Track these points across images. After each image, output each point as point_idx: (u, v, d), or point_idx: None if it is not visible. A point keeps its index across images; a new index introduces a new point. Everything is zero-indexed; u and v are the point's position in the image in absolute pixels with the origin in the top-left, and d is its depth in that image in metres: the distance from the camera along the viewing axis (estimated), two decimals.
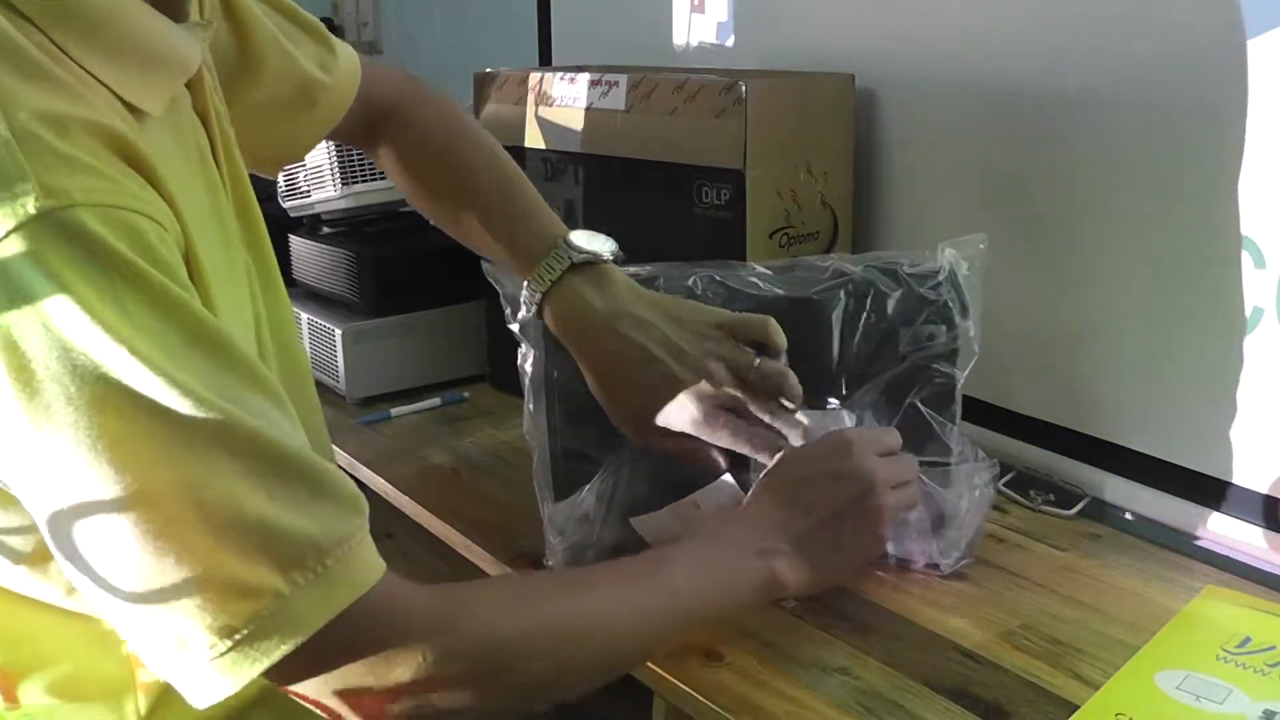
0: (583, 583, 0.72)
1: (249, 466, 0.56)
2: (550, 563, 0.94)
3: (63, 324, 0.52)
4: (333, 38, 0.95)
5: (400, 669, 0.60)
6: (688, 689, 0.79)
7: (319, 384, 1.45)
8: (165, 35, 0.64)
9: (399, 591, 0.62)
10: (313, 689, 0.59)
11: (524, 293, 0.91)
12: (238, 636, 0.55)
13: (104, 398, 0.53)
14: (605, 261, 0.90)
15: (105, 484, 0.53)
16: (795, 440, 0.87)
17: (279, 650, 0.56)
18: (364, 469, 1.22)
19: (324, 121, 0.95)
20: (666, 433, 0.87)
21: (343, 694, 0.59)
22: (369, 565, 0.60)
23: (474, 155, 0.99)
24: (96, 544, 0.55)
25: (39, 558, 0.63)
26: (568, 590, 0.71)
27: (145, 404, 0.53)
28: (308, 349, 1.47)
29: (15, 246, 0.52)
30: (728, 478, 0.90)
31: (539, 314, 0.90)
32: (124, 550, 0.54)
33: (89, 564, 0.55)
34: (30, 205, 0.53)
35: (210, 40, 0.73)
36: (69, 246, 0.53)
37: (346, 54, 0.96)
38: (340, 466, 1.25)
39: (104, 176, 0.56)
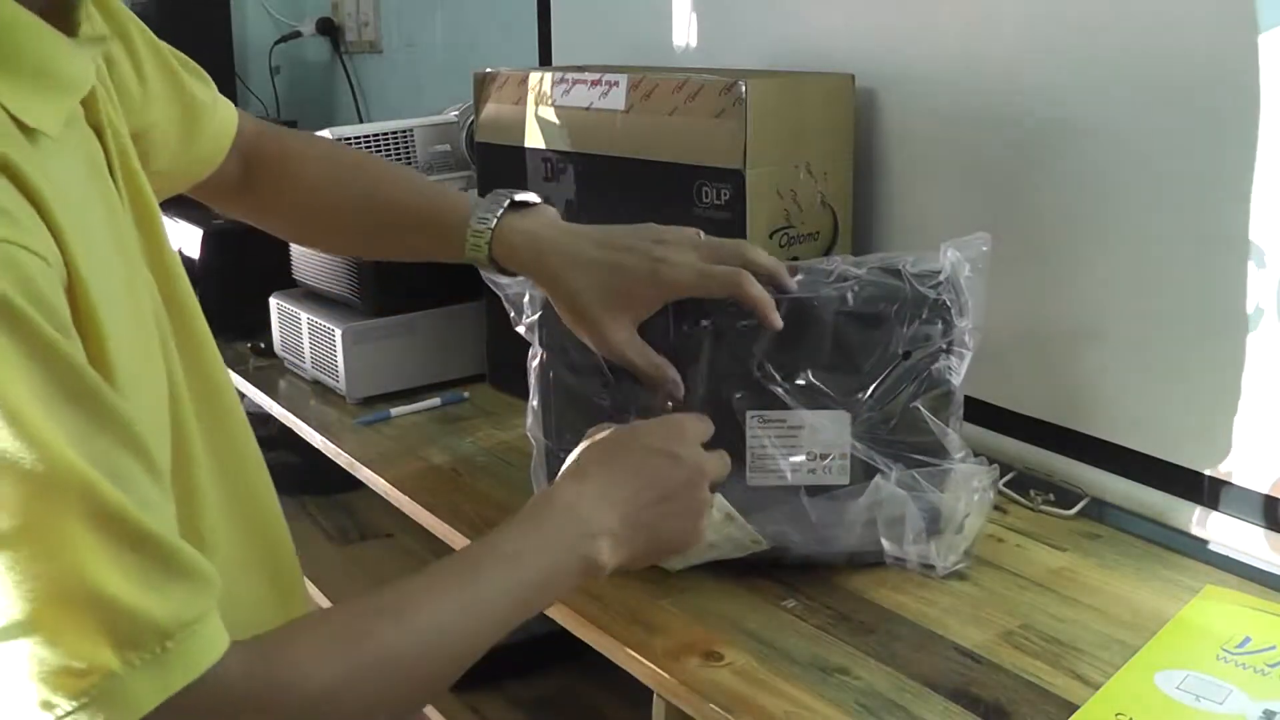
0: (401, 607, 0.69)
1: (103, 536, 0.54)
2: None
3: None
4: (209, 79, 0.94)
5: None
6: (688, 689, 0.79)
7: (319, 384, 1.46)
8: (60, 53, 0.63)
9: (229, 665, 0.59)
10: None
11: (469, 239, 0.91)
12: (59, 712, 0.53)
13: None
14: (539, 204, 0.92)
15: None
16: (790, 285, 0.89)
17: None
18: (364, 469, 1.22)
19: (207, 153, 0.93)
20: (640, 344, 0.88)
21: None
22: (210, 646, 0.58)
23: (366, 158, 1.01)
24: None
25: None
26: (387, 620, 0.68)
27: (2, 458, 0.51)
28: (308, 349, 1.48)
29: None
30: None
31: (490, 257, 0.91)
32: None
33: None
34: None
35: (104, 54, 0.71)
36: None
37: (224, 98, 0.95)
38: (339, 466, 1.26)
39: None
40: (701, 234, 0.92)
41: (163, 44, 0.88)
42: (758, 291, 0.86)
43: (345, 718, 0.64)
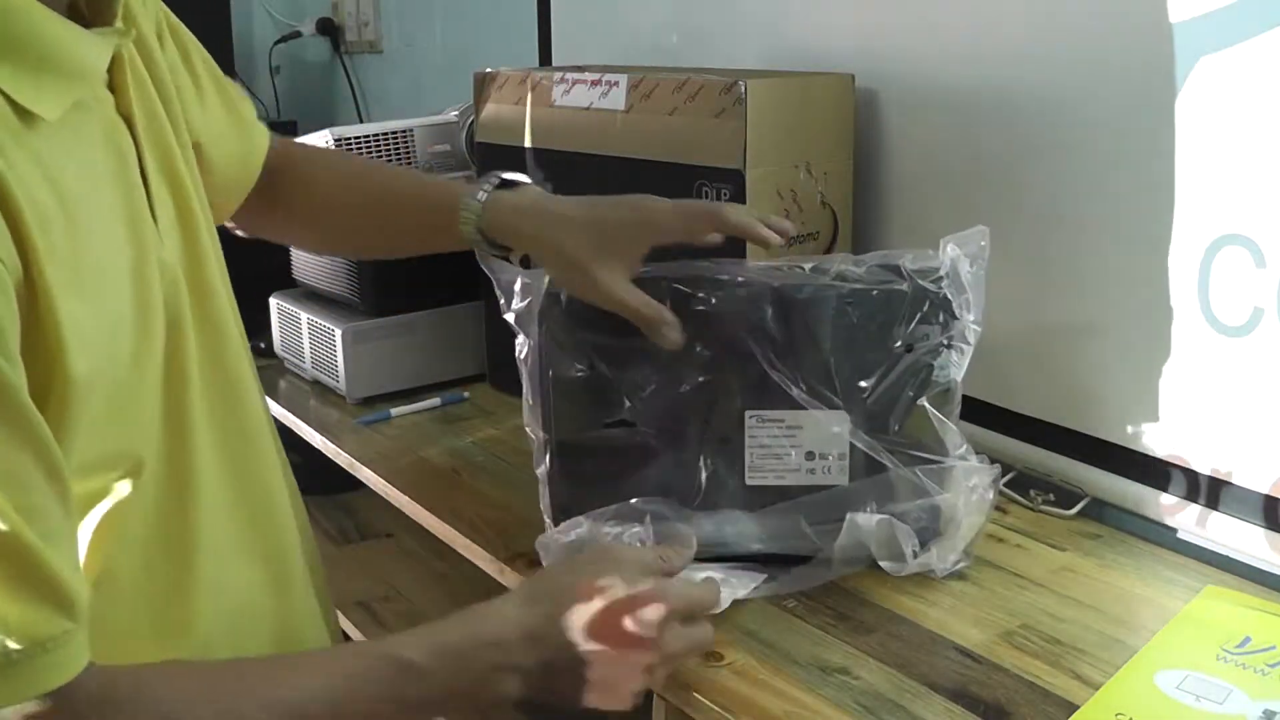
0: (270, 684, 0.68)
1: None
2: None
3: None
4: (250, 101, 0.97)
5: None
6: (688, 689, 0.79)
7: (319, 384, 1.46)
8: (65, 41, 0.64)
9: (81, 690, 0.60)
10: None
11: (460, 215, 0.93)
12: None
13: None
14: (527, 183, 0.95)
15: None
16: (773, 240, 0.89)
17: None
18: (364, 469, 1.22)
19: (250, 172, 0.96)
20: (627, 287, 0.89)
21: None
22: (61, 669, 0.59)
23: (368, 162, 1.05)
24: None
25: None
26: (252, 693, 0.67)
27: None
28: (308, 349, 1.48)
29: None
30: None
31: (479, 229, 0.93)
32: None
33: None
34: None
35: (124, 45, 0.72)
36: None
37: (256, 112, 0.98)
38: (339, 466, 1.26)
39: None
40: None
41: (216, 67, 0.91)
42: (739, 217, 0.88)
43: None
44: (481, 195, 0.93)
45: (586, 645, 0.74)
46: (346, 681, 0.69)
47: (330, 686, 0.69)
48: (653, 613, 0.74)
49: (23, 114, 0.61)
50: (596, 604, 0.74)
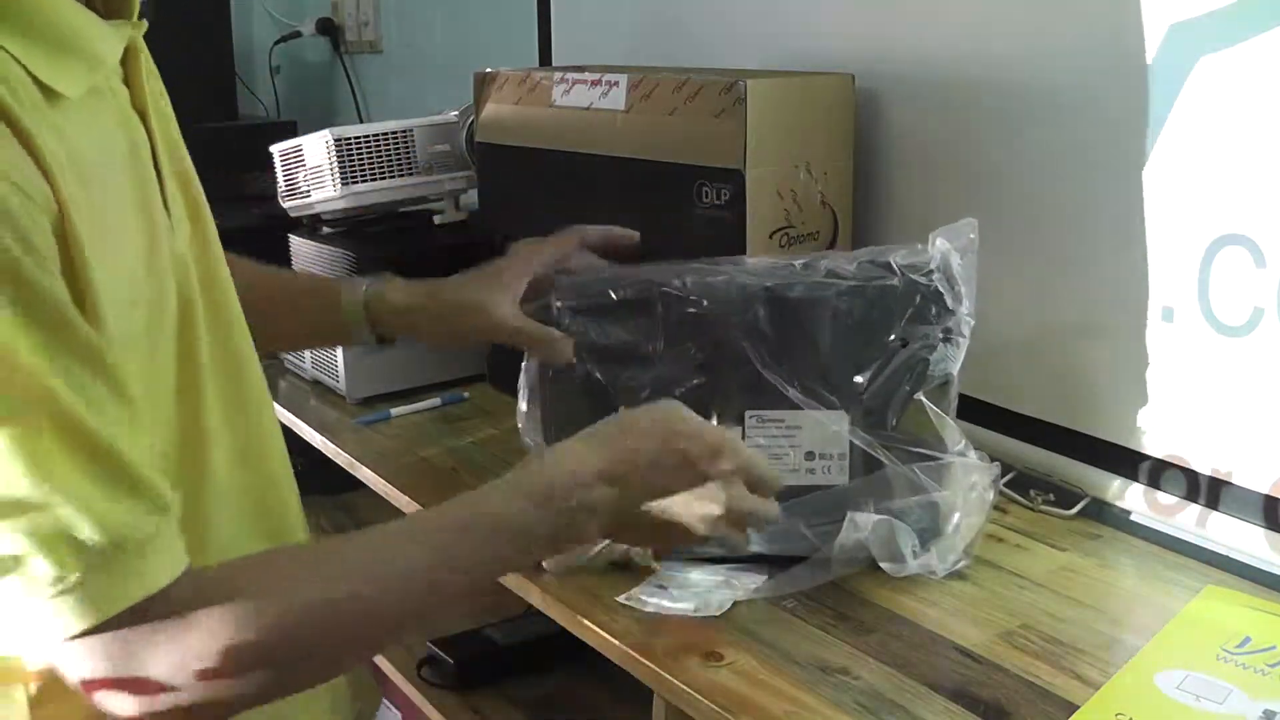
0: (389, 544, 0.71)
1: (63, 444, 0.57)
2: (546, 564, 0.93)
3: None
4: None
5: (190, 659, 0.61)
6: (688, 689, 0.79)
7: (319, 384, 1.46)
8: (83, 27, 0.66)
9: (190, 586, 0.62)
10: (105, 678, 0.60)
11: (345, 301, 1.01)
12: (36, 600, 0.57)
13: None
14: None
15: None
16: (631, 234, 1.05)
17: (62, 633, 0.58)
18: (364, 469, 1.22)
19: None
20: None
21: (133, 685, 0.60)
22: (164, 566, 0.61)
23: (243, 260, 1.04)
24: None
25: None
26: (372, 554, 0.70)
27: None
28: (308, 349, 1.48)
29: None
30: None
31: (364, 303, 1.01)
32: None
33: None
34: None
35: (137, 39, 0.73)
36: None
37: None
38: (339, 466, 1.26)
39: None
40: None
41: None
42: (600, 227, 1.05)
43: (312, 646, 0.66)
44: (364, 282, 1.02)
45: (658, 486, 0.76)
46: (444, 546, 0.71)
47: (429, 551, 0.70)
48: (726, 462, 0.77)
49: (44, 90, 0.62)
50: (673, 445, 0.77)
